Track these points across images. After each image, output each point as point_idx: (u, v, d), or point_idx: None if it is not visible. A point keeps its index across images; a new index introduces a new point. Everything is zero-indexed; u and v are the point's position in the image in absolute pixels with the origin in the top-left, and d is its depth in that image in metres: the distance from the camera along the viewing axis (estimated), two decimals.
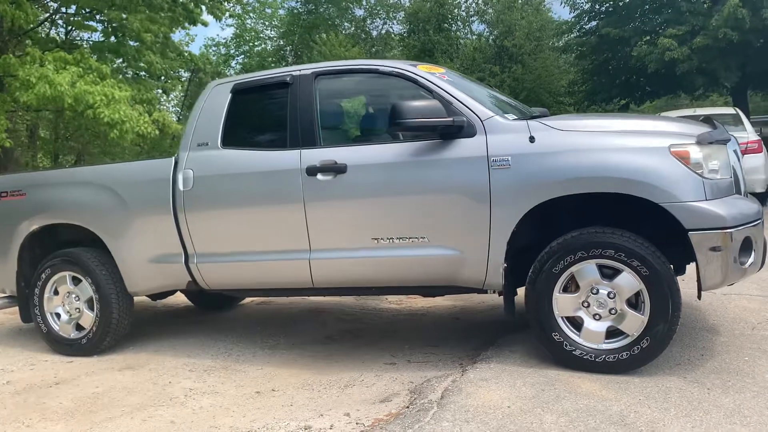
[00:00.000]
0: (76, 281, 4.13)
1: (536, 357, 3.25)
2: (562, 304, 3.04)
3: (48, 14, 15.02)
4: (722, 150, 2.98)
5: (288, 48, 28.37)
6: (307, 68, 3.66)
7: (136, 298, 4.22)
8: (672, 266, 3.00)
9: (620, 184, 2.87)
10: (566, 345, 3.03)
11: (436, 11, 25.55)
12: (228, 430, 2.79)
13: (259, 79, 3.80)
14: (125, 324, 4.13)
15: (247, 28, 29.76)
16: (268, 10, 29.76)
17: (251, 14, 29.33)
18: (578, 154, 2.95)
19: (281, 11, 29.61)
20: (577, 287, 3.04)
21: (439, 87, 3.32)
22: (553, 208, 3.07)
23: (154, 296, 4.42)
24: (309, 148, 3.48)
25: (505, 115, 3.26)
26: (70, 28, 16.37)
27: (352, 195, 3.36)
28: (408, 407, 2.82)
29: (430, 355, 3.70)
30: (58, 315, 4.21)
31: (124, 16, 13.79)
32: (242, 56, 30.43)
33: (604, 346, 3.00)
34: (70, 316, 4.16)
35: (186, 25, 15.62)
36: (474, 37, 27.11)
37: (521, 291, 3.30)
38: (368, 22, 28.77)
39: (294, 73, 3.65)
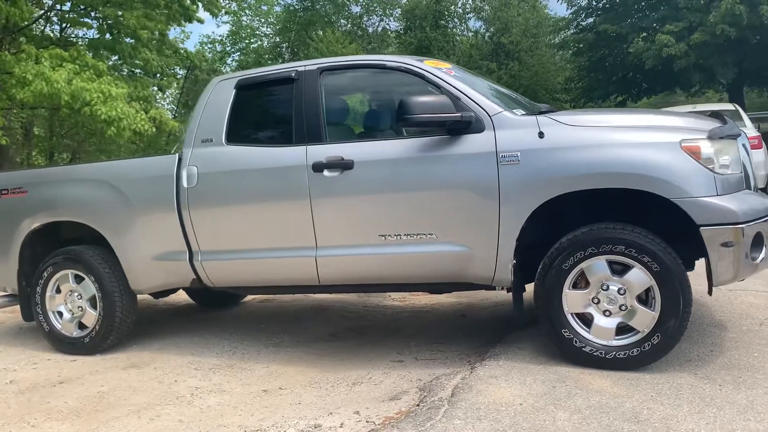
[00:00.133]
0: (78, 279, 4.09)
1: (545, 354, 3.24)
2: (572, 300, 3.02)
3: (43, 11, 14.89)
4: (733, 145, 2.97)
5: (284, 45, 28.28)
6: (312, 63, 3.63)
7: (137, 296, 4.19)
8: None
9: (631, 179, 2.85)
10: (576, 342, 3.01)
11: (433, 8, 25.52)
12: (237, 429, 2.77)
13: (264, 75, 3.76)
14: (128, 322, 4.09)
15: (242, 25, 29.65)
16: (264, 7, 29.65)
17: (247, 11, 29.23)
18: (588, 149, 2.93)
19: (277, 8, 29.53)
20: (587, 283, 3.02)
21: (446, 82, 3.29)
22: (561, 204, 3.05)
23: (156, 294, 4.38)
24: (315, 144, 3.45)
25: (514, 111, 3.23)
26: (64, 25, 16.25)
27: (359, 191, 3.33)
28: (418, 405, 2.80)
29: (438, 352, 3.68)
30: (60, 313, 4.16)
31: (119, 13, 13.69)
32: (238, 53, 30.34)
33: (615, 343, 2.98)
34: (73, 314, 4.12)
35: (182, 22, 15.54)
36: (470, 34, 27.09)
37: (528, 287, 3.30)
38: (365, 18, 28.71)
39: (299, 69, 3.61)
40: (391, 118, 3.55)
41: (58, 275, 4.12)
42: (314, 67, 3.58)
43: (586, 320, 3.04)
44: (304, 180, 3.41)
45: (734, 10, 13.99)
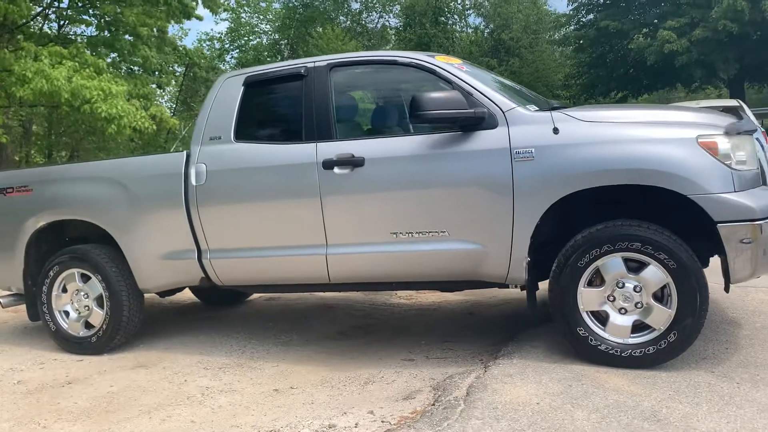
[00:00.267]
0: (85, 278, 4.05)
1: (559, 352, 3.21)
2: (587, 298, 2.99)
3: (41, 8, 14.80)
4: (749, 140, 2.94)
5: (283, 42, 28.19)
6: (321, 60, 3.59)
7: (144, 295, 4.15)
8: None
9: (648, 176, 2.82)
10: (591, 340, 2.98)
11: (433, 4, 25.47)
12: (250, 429, 2.74)
13: (273, 71, 3.72)
14: (136, 321, 4.05)
15: (241, 22, 29.55)
16: (263, 4, 29.57)
17: (246, 8, 29.12)
18: (604, 145, 2.90)
19: (276, 5, 29.44)
20: (602, 281, 2.99)
21: (458, 78, 3.25)
22: (573, 201, 3.01)
23: (163, 293, 4.34)
24: (325, 141, 3.41)
25: (527, 107, 3.20)
26: (62, 22, 16.16)
27: (370, 189, 3.30)
28: (433, 405, 2.77)
29: (448, 351, 3.65)
30: (66, 313, 4.13)
31: (118, 10, 13.61)
32: (237, 51, 30.25)
33: (630, 341, 2.95)
34: (79, 313, 4.08)
35: (181, 19, 15.46)
36: (470, 30, 27.03)
37: (540, 285, 3.27)
38: (364, 15, 28.63)
39: (308, 65, 3.57)
40: (402, 115, 3.51)
41: (64, 274, 4.08)
42: (324, 63, 3.54)
43: (601, 318, 3.01)
44: (314, 177, 3.38)
45: (736, 6, 13.96)
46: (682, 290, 2.83)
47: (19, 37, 13.13)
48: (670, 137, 2.86)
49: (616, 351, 2.95)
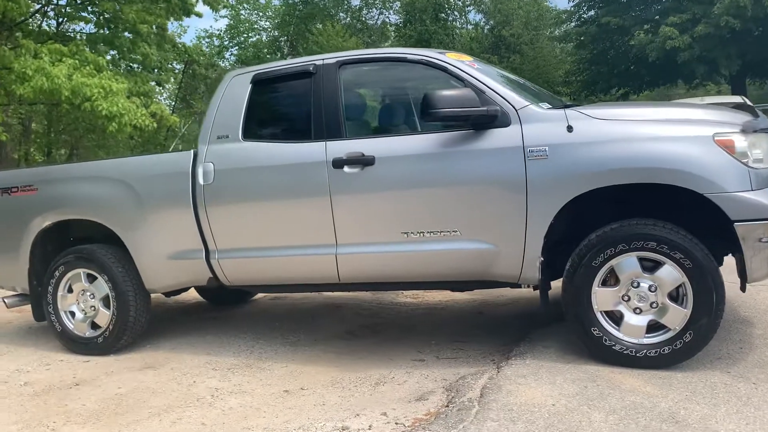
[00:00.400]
0: (91, 278, 4.01)
1: (572, 352, 3.18)
2: (602, 298, 2.96)
3: (40, 5, 14.72)
4: (765, 138, 2.91)
5: (283, 39, 28.10)
6: (331, 57, 3.54)
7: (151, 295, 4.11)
8: None
9: (664, 174, 2.79)
10: (606, 340, 2.95)
11: (433, 0, 25.37)
12: (262, 431, 2.71)
13: (281, 69, 3.68)
14: (142, 322, 4.02)
15: (241, 19, 29.44)
16: (262, 1, 29.45)
17: (245, 5, 29.01)
18: (619, 143, 2.87)
19: (276, 1, 29.32)
20: (617, 281, 2.96)
21: (470, 75, 3.21)
22: (587, 200, 2.98)
23: (169, 293, 4.31)
24: (334, 140, 3.37)
25: (540, 104, 3.16)
26: (61, 19, 16.07)
27: (380, 188, 3.26)
28: (447, 406, 2.74)
29: (459, 351, 3.62)
30: (72, 313, 4.09)
31: (117, 7, 13.53)
32: (236, 48, 30.14)
33: (645, 341, 2.92)
34: (85, 314, 4.05)
35: (181, 16, 15.38)
36: (470, 26, 26.96)
37: (552, 284, 3.24)
38: (364, 12, 28.55)
39: (317, 62, 3.53)
40: (412, 113, 3.48)
41: (70, 274, 4.05)
42: (333, 61, 3.50)
43: (616, 318, 2.98)
44: (324, 176, 3.34)
45: (739, 2, 13.91)
46: (698, 290, 2.80)
47: (17, 34, 13.06)
48: (686, 135, 2.83)
49: (631, 351, 2.92)
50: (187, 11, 15.08)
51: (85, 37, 14.77)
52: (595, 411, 2.52)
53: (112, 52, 14.94)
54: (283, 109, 3.83)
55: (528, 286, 3.26)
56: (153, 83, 17.84)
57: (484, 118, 3.06)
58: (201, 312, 5.19)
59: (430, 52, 3.40)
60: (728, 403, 2.54)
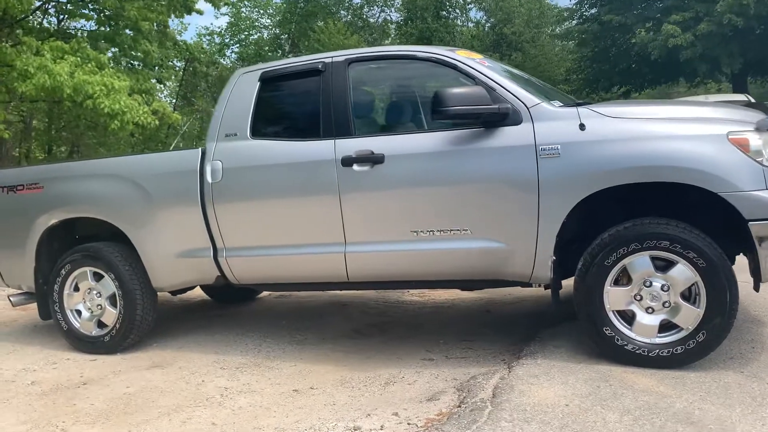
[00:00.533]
0: (97, 277, 3.99)
1: (583, 351, 3.16)
2: (614, 297, 2.94)
3: (40, 2, 14.66)
4: None
5: (284, 36, 28.04)
6: (339, 55, 3.52)
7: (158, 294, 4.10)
8: None
9: (677, 173, 2.77)
10: (618, 339, 2.93)
11: None
12: (273, 431, 2.69)
13: (289, 67, 3.66)
14: (149, 320, 4.00)
15: (242, 16, 29.38)
16: None
17: (246, 2, 28.95)
18: (633, 142, 2.85)
19: None
20: (629, 280, 2.94)
21: (481, 73, 3.19)
22: (598, 198, 2.96)
23: (175, 291, 4.29)
24: (343, 138, 3.35)
25: (552, 102, 3.14)
26: (62, 17, 16.02)
27: (390, 186, 3.24)
28: (459, 406, 2.73)
29: (468, 350, 3.61)
30: (78, 312, 4.07)
31: (119, 4, 13.49)
32: (237, 45, 30.08)
33: (658, 341, 2.91)
34: (92, 312, 4.03)
35: (182, 13, 15.33)
36: (472, 24, 26.91)
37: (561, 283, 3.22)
38: (365, 9, 28.49)
39: (326, 60, 3.51)
40: (422, 111, 3.46)
41: (76, 273, 4.03)
42: (342, 59, 3.48)
43: (628, 317, 2.96)
44: (333, 175, 3.32)
45: (742, 0, 13.87)
46: (712, 289, 2.78)
47: (18, 31, 13.02)
48: (700, 134, 2.81)
49: (643, 351, 2.90)
50: (189, 8, 15.02)
51: (86, 34, 14.72)
52: (610, 411, 2.51)
53: (113, 50, 14.90)
54: (291, 107, 3.80)
55: (539, 285, 3.24)
56: (154, 81, 17.81)
57: (496, 116, 3.04)
58: (206, 310, 5.18)
59: (440, 50, 3.38)
60: (743, 404, 2.52)
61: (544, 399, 2.66)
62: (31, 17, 14.24)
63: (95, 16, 14.72)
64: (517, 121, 3.04)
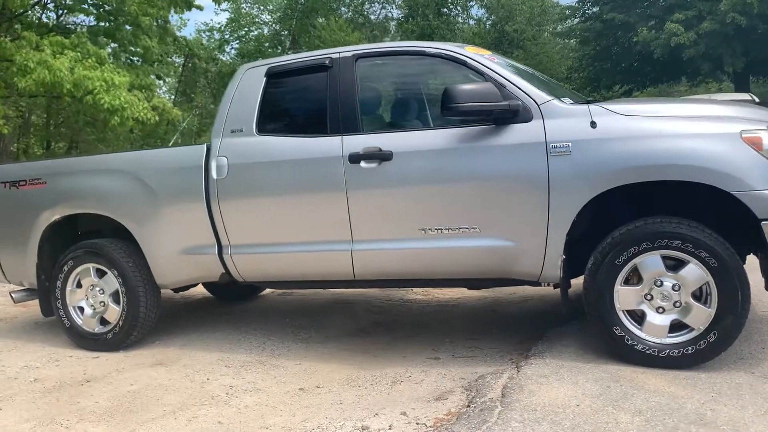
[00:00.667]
0: (100, 273, 3.96)
1: (592, 351, 3.14)
2: (624, 297, 2.91)
3: None
4: None
5: (285, 33, 27.94)
6: (347, 50, 3.48)
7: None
8: None
9: (690, 171, 2.74)
10: (628, 339, 2.91)
11: None
12: (280, 431, 2.66)
13: (296, 62, 3.62)
14: (152, 318, 3.97)
15: (242, 12, 29.26)
16: None
17: None
18: (645, 140, 2.81)
19: None
20: (640, 279, 2.91)
21: (490, 69, 3.16)
22: (608, 197, 2.93)
23: (178, 288, 4.27)
24: (351, 135, 3.32)
25: (562, 99, 3.11)
26: (61, 12, 15.94)
27: (398, 183, 3.21)
28: (468, 406, 2.70)
29: (475, 349, 3.58)
30: (81, 309, 4.03)
31: None
32: (237, 41, 29.96)
33: (668, 341, 2.88)
34: (94, 309, 3.99)
35: (182, 9, 15.25)
36: (473, 22, 26.85)
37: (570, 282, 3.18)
38: (366, 6, 28.39)
39: (333, 56, 3.47)
40: (430, 107, 3.43)
41: (78, 269, 3.99)
42: (349, 54, 3.44)
43: (638, 317, 2.94)
44: (340, 171, 3.29)
45: None
46: (723, 289, 2.76)
47: (17, 26, 12.94)
48: (712, 132, 2.78)
49: (654, 351, 2.87)
50: (189, 4, 14.95)
51: (85, 30, 14.64)
52: (621, 412, 2.48)
53: (112, 45, 14.82)
54: (298, 103, 3.75)
55: (547, 284, 3.21)
56: (153, 76, 17.73)
57: (506, 113, 3.00)
58: (209, 308, 5.15)
59: (449, 46, 3.34)
60: (755, 405, 2.50)
61: (554, 399, 2.63)
62: (30, 12, 14.16)
63: (95, 11, 14.64)
64: (527, 118, 3.01)
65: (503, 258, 3.10)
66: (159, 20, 14.76)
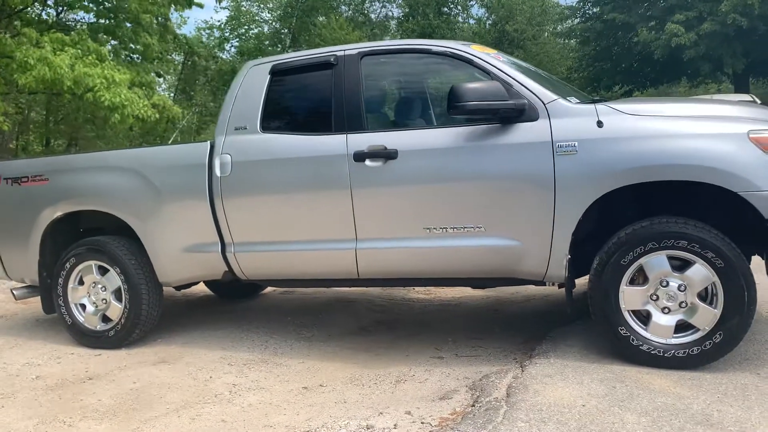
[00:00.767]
0: (102, 271, 3.94)
1: (596, 351, 3.13)
2: (629, 297, 2.91)
3: None
4: None
5: (285, 31, 27.90)
6: (352, 48, 3.47)
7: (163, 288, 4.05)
8: None
9: (697, 172, 2.73)
10: (633, 340, 2.90)
11: None
12: (284, 429, 2.65)
13: (301, 59, 3.60)
14: (155, 315, 3.96)
15: (242, 10, 29.21)
16: None
17: None
18: (651, 140, 2.80)
19: None
20: (645, 279, 2.90)
21: (496, 68, 3.15)
22: (613, 197, 2.92)
23: (180, 286, 4.24)
24: (356, 133, 3.30)
25: (568, 98, 3.10)
26: (60, 9, 15.89)
27: (403, 182, 3.20)
28: (473, 406, 2.69)
29: (478, 348, 3.57)
30: (83, 306, 4.02)
31: None
32: (237, 39, 29.92)
33: (674, 341, 2.87)
34: (96, 307, 3.98)
35: (183, 6, 15.22)
36: (473, 21, 26.83)
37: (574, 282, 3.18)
38: (366, 5, 28.35)
39: (338, 53, 3.46)
40: (436, 106, 3.42)
41: (81, 266, 3.97)
42: (354, 52, 3.42)
43: (643, 318, 2.93)
44: (345, 170, 3.27)
45: (746, 0, 13.83)
46: (730, 289, 2.75)
47: (16, 23, 12.90)
48: (720, 132, 2.77)
49: (659, 351, 2.87)
50: (189, 2, 14.93)
51: (86, 26, 14.60)
52: (627, 412, 2.47)
53: (112, 42, 14.79)
54: (302, 101, 3.73)
55: (552, 284, 3.20)
56: (153, 74, 17.69)
57: (512, 112, 2.99)
58: (211, 305, 5.13)
59: (455, 44, 3.33)
60: (762, 406, 2.49)
61: (559, 399, 2.62)
62: (30, 9, 14.12)
63: (95, 8, 14.59)
64: (533, 117, 3.00)
65: (508, 257, 3.09)
66: (159, 18, 14.72)
